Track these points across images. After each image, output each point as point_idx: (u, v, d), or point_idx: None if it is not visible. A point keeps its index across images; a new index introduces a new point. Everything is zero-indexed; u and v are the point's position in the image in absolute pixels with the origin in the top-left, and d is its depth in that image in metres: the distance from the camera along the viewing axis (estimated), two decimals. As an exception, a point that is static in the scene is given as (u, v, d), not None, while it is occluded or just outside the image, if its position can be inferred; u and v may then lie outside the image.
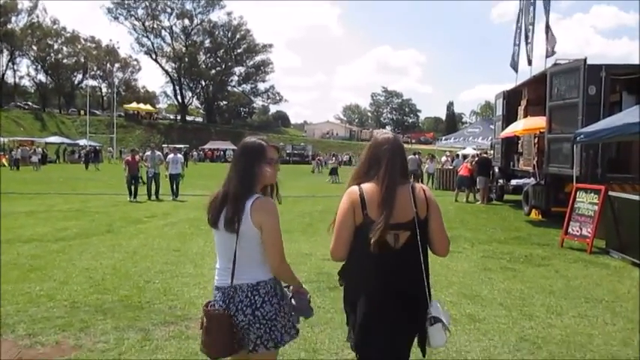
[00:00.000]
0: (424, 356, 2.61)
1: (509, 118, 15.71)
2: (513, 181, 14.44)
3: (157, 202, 16.02)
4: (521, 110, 14.94)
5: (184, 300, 5.61)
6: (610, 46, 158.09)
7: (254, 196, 2.48)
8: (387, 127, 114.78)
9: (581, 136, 9.41)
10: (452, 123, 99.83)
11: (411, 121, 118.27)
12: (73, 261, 7.47)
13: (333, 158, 38.03)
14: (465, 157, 23.12)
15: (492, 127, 27.88)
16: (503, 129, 16.03)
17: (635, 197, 8.00)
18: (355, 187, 2.52)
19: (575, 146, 9.99)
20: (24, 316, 4.94)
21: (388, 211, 2.39)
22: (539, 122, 12.52)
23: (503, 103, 16.31)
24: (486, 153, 20.94)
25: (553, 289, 6.44)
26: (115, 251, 8.25)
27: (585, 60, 10.62)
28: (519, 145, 15.31)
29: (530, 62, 16.93)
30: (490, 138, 24.80)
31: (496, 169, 17.73)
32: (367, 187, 2.49)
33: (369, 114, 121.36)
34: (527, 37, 18.72)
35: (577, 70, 10.81)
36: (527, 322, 5.11)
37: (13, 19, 70.18)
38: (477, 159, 18.38)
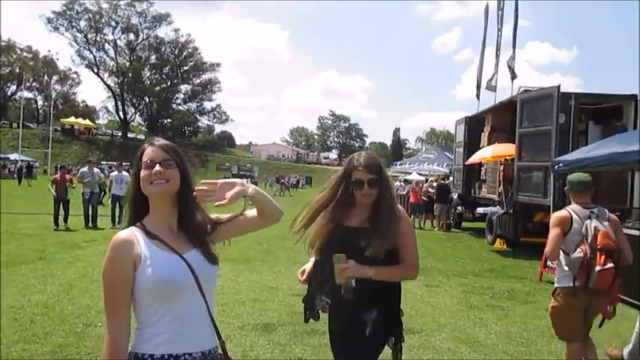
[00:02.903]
0: None
1: (471, 144, 15.43)
2: (480, 209, 14.05)
3: (94, 230, 13.20)
4: (484, 137, 14.67)
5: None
6: (544, 81, 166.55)
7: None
8: (333, 150, 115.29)
9: (560, 165, 9.04)
10: (398, 149, 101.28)
11: (357, 145, 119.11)
12: (-5, 296, 6.24)
13: (248, 180, 36.94)
14: (408, 182, 22.77)
15: (447, 153, 28.21)
16: (464, 155, 15.76)
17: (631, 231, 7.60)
18: None
19: (550, 175, 9.63)
20: None
21: None
22: (508, 149, 12.21)
23: (465, 129, 16.04)
24: (444, 180, 20.70)
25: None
26: (48, 284, 7.04)
27: (559, 87, 10.38)
28: (482, 173, 15.01)
29: (494, 88, 16.80)
30: (446, 164, 24.82)
31: (454, 196, 17.42)
32: None
33: (316, 137, 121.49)
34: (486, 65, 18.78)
35: (550, 97, 10.55)
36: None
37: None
38: (435, 184, 18.05)
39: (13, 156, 49.80)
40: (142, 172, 1.75)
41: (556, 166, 9.10)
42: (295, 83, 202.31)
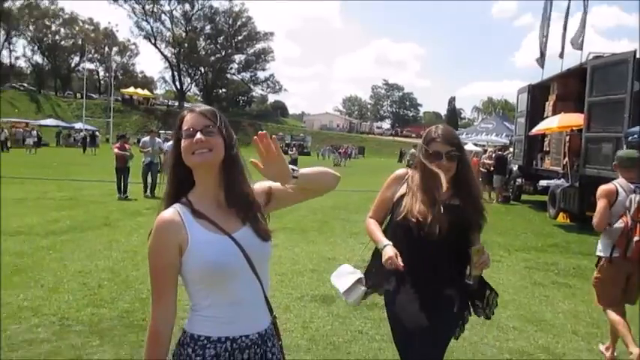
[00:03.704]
0: None
1: (534, 114, 14.74)
2: (542, 182, 13.47)
3: (152, 199, 12.79)
4: (549, 106, 13.96)
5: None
6: (610, 47, 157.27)
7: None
8: (386, 120, 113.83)
9: (634, 136, 8.49)
10: (453, 118, 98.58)
11: (411, 115, 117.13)
12: (65, 261, 6.51)
13: (294, 148, 36.74)
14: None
15: (506, 123, 27.25)
16: (526, 125, 15.10)
17: None
18: None
19: (623, 146, 9.05)
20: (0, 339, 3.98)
21: None
22: (575, 119, 11.56)
23: (528, 98, 15.31)
24: (501, 150, 19.99)
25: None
26: (113, 249, 7.28)
27: (635, 52, 9.63)
28: (546, 144, 14.34)
29: (580, 46, 15.58)
30: (505, 134, 24.00)
31: (514, 168, 16.80)
32: None
33: (369, 106, 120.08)
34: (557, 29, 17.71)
35: (624, 64, 9.83)
36: None
37: (10, -3, 68.47)
38: (494, 156, 17.44)
39: (77, 125, 51.94)
40: (183, 142, 1.62)
41: (630, 137, 8.56)
42: (347, 52, 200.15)
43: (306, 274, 6.40)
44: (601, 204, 4.12)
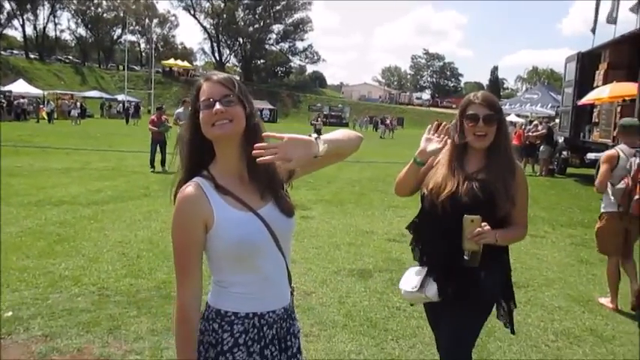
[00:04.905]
0: None
1: (584, 83, 14.06)
2: (591, 155, 12.89)
3: None
4: (599, 75, 13.27)
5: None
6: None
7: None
8: (426, 90, 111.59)
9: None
10: (496, 89, 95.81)
11: (452, 85, 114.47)
12: (106, 230, 6.61)
13: (318, 119, 35.96)
14: (511, 123, 21.38)
15: (552, 93, 26.18)
16: (574, 95, 14.45)
17: None
18: None
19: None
20: (42, 307, 4.05)
21: None
22: (628, 88, 10.96)
23: (577, 67, 14.60)
24: (547, 122, 19.26)
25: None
26: (152, 220, 7.36)
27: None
28: (595, 115, 13.69)
29: (614, 21, 14.92)
30: (550, 105, 23.11)
31: (560, 140, 16.16)
32: None
33: (409, 76, 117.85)
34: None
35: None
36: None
37: (54, -30, 69.59)
38: (544, 126, 16.78)
39: (120, 97, 52.93)
40: (202, 113, 1.54)
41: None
42: (387, 21, 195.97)
43: (343, 248, 6.31)
44: (603, 168, 4.59)
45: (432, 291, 2.38)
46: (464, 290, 2.31)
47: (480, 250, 2.20)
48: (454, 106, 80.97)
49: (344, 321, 4.11)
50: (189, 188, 1.54)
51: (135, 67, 74.58)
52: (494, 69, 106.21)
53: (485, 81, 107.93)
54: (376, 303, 4.54)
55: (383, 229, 7.41)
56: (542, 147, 15.70)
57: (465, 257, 2.22)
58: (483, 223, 2.17)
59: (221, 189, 1.56)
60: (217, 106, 1.51)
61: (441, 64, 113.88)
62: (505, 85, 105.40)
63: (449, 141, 2.38)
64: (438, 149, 2.31)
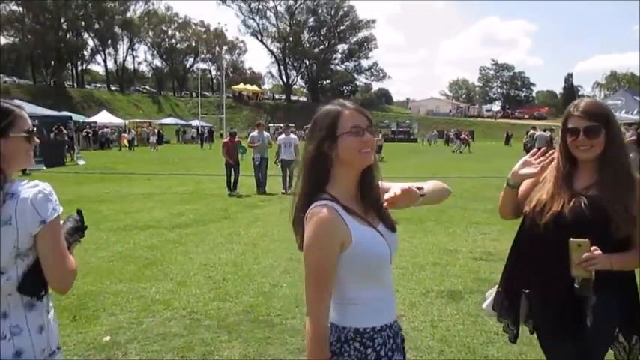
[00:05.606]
0: None
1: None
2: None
3: (264, 195, 12.61)
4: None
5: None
6: None
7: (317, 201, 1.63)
8: (496, 102, 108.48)
9: None
10: (571, 96, 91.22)
11: (523, 95, 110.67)
12: (191, 254, 6.75)
13: (380, 135, 34.60)
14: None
15: (636, 97, 24.56)
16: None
17: None
18: None
19: None
20: (137, 332, 4.13)
21: None
22: None
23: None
24: (637, 129, 18.04)
25: None
26: (234, 242, 7.45)
27: None
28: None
29: None
30: (636, 111, 21.71)
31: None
32: None
33: (477, 88, 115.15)
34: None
35: None
36: None
37: (132, 7, 74.18)
38: (628, 134, 15.77)
39: (194, 122, 55.10)
40: (349, 139, 1.63)
41: None
42: (451, 34, 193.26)
43: (428, 268, 6.09)
44: None
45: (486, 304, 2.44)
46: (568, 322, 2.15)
47: (592, 277, 1.97)
48: (526, 116, 78.15)
49: (439, 346, 3.90)
50: (324, 210, 1.59)
51: (207, 93, 77.59)
52: (569, 76, 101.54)
53: (558, 89, 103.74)
54: (471, 327, 4.30)
55: (467, 247, 7.09)
56: (631, 154, 14.69)
57: (576, 285, 2.01)
58: (593, 247, 1.96)
59: (348, 210, 1.64)
60: (368, 135, 1.65)
61: (511, 74, 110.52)
62: (580, 92, 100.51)
63: (552, 163, 2.23)
64: (531, 174, 2.22)
